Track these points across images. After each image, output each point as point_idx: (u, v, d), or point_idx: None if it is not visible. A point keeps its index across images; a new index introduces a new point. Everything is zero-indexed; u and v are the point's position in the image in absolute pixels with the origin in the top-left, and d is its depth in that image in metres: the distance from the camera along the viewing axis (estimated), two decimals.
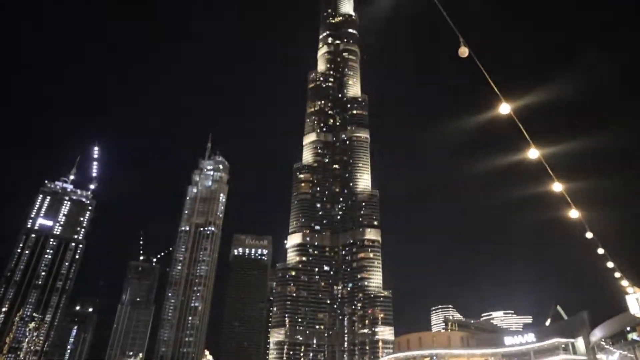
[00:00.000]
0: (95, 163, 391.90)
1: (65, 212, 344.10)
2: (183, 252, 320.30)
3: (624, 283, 17.73)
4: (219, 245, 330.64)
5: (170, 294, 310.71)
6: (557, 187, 13.49)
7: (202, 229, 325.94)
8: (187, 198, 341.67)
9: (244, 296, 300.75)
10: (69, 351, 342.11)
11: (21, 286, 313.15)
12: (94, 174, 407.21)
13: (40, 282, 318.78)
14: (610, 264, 18.15)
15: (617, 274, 17.89)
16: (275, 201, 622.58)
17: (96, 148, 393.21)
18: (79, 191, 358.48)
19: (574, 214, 14.70)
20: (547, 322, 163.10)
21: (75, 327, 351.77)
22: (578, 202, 15.11)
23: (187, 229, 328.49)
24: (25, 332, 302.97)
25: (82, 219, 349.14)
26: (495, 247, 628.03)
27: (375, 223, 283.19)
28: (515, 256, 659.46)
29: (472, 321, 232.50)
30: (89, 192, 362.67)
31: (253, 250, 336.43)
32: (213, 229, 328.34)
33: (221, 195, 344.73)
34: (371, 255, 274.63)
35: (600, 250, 17.37)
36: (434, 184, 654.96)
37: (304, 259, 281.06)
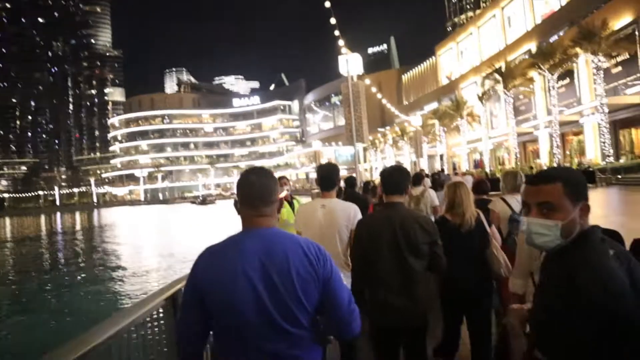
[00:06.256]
0: None
1: None
2: None
3: (341, 42, 20.09)
4: None
5: None
6: None
7: None
8: None
9: None
10: None
11: None
12: None
13: None
14: (336, 32, 19.95)
15: (341, 41, 20.25)
16: None
17: None
18: None
19: None
20: (272, 87, 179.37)
21: None
22: None
23: None
24: None
25: None
26: (239, 17, 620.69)
27: None
28: (254, 27, 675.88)
29: (205, 84, 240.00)
30: None
31: None
32: None
33: None
34: (98, 9, 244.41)
35: (333, 20, 19.34)
36: None
37: (7, 5, 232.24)
